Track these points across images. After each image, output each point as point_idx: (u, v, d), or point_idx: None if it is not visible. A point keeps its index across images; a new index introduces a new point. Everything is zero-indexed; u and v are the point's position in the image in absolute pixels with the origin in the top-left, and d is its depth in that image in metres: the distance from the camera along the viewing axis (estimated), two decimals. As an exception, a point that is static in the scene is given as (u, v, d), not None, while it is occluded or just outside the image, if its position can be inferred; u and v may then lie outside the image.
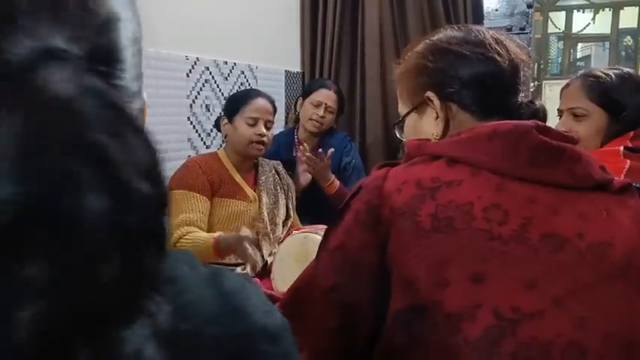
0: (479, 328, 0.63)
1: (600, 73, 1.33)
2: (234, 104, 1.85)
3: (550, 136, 0.71)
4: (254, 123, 1.80)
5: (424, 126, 0.85)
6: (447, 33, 0.85)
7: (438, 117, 0.82)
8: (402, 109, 0.89)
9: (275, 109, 1.91)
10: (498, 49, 0.81)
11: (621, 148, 1.24)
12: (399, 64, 0.90)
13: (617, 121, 1.30)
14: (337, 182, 2.15)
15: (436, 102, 0.82)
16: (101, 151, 0.28)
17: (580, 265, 0.65)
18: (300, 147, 2.16)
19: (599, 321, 0.64)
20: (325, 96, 2.27)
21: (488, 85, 0.81)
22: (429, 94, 0.82)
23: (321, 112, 2.25)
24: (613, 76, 1.32)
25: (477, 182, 0.69)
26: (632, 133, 1.27)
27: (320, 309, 0.73)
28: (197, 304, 0.37)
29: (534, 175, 0.69)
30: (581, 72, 1.44)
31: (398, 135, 0.93)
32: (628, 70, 1.38)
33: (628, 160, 1.19)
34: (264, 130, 1.81)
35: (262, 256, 1.76)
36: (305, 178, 2.15)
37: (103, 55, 0.35)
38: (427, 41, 0.86)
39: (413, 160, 0.75)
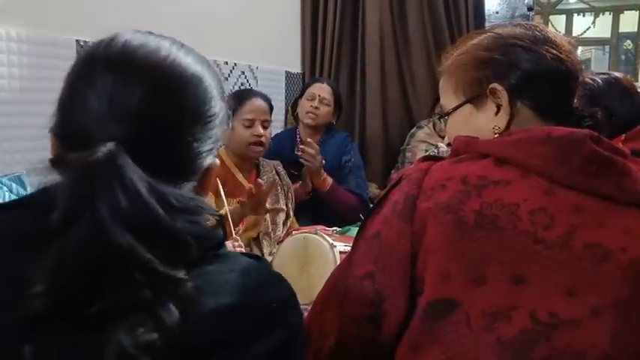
0: (514, 329, 0.63)
1: (587, 80, 1.33)
2: (229, 106, 1.85)
3: (602, 147, 0.71)
4: (250, 124, 1.80)
5: (480, 119, 0.82)
6: (513, 29, 0.83)
7: (498, 111, 0.80)
8: (452, 101, 0.86)
9: (271, 108, 1.90)
10: (566, 51, 0.81)
11: None
12: (449, 57, 0.88)
13: (607, 126, 1.30)
14: (330, 180, 2.16)
15: (504, 95, 0.80)
16: (96, 207, 0.49)
17: (620, 278, 0.65)
18: (301, 147, 2.16)
19: (634, 336, 0.64)
20: (318, 88, 2.31)
21: (555, 85, 0.80)
22: (496, 86, 0.80)
23: (315, 103, 2.28)
24: (600, 81, 1.32)
25: (525, 184, 0.69)
26: (623, 136, 1.28)
27: (352, 296, 0.74)
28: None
29: (583, 184, 0.69)
30: None
31: (443, 127, 0.91)
32: (615, 74, 1.38)
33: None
34: (262, 131, 1.81)
35: (263, 256, 1.76)
36: (307, 183, 2.17)
37: (153, 140, 0.54)
38: (491, 34, 0.84)
39: (460, 157, 0.75)
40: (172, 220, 0.50)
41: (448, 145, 0.87)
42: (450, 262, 0.67)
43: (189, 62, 0.58)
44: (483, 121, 0.82)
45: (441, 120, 0.90)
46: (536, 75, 0.79)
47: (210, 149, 0.59)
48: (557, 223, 0.67)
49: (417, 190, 0.72)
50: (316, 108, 2.27)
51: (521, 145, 0.72)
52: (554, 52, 0.80)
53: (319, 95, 2.29)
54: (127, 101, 0.53)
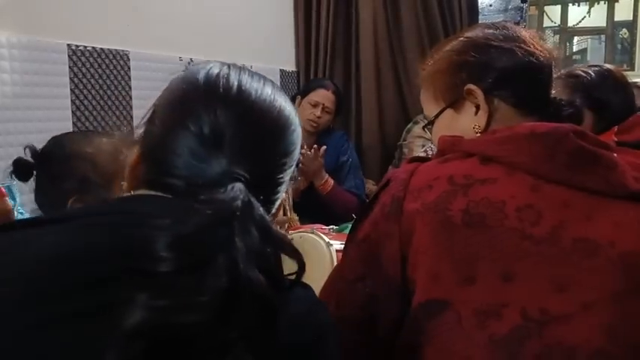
0: (506, 327, 0.63)
1: (580, 72, 1.34)
2: None
3: (587, 141, 0.71)
4: None
5: (462, 121, 0.84)
6: (483, 30, 0.85)
7: (478, 111, 0.82)
8: (433, 109, 0.88)
9: None
10: (536, 44, 0.82)
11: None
12: (425, 68, 0.89)
13: (600, 119, 1.31)
14: (331, 181, 2.15)
15: (479, 94, 0.81)
16: (236, 249, 0.49)
17: (611, 272, 0.65)
18: (302, 151, 2.16)
19: (628, 330, 0.64)
20: (323, 96, 2.27)
21: (530, 79, 0.82)
22: (471, 87, 0.81)
23: (318, 112, 2.25)
24: (593, 74, 1.33)
25: (511, 182, 0.69)
26: (616, 128, 1.28)
27: (346, 300, 0.75)
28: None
29: (570, 180, 0.69)
30: (560, 72, 1.44)
31: (430, 135, 0.92)
32: (608, 66, 1.38)
33: (615, 154, 1.19)
34: None
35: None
36: (304, 181, 2.16)
37: (265, 178, 0.60)
38: (462, 39, 0.85)
39: (446, 157, 0.76)
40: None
41: None
42: (440, 262, 0.67)
43: (289, 109, 0.64)
44: (465, 123, 0.83)
45: (426, 129, 0.91)
46: (510, 72, 0.81)
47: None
48: (544, 219, 0.67)
49: (403, 191, 0.72)
50: (319, 117, 2.25)
51: (506, 143, 0.72)
52: (525, 47, 0.81)
53: (323, 104, 2.26)
54: (247, 143, 0.58)
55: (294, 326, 0.54)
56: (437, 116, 0.86)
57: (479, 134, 0.80)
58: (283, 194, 0.65)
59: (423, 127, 0.92)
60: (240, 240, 0.50)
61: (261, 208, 0.54)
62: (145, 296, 0.45)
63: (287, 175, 0.63)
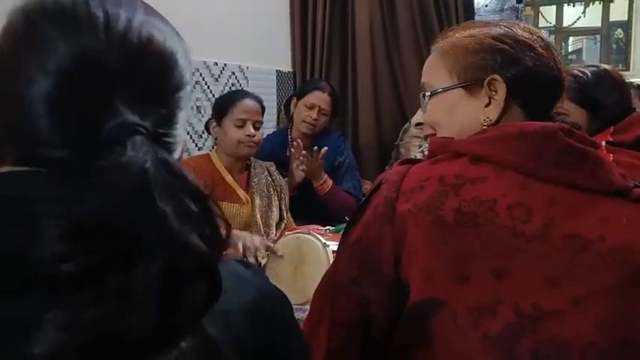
0: (500, 324, 0.64)
1: (577, 72, 1.34)
2: (222, 107, 1.85)
3: (575, 140, 0.72)
4: (242, 124, 1.80)
5: (469, 108, 0.81)
6: (522, 29, 0.83)
7: (490, 103, 0.80)
8: (443, 81, 0.83)
9: (263, 109, 1.90)
10: (563, 63, 0.84)
11: (603, 142, 1.24)
12: (448, 36, 0.85)
13: (596, 119, 1.32)
14: (330, 182, 2.15)
15: (502, 87, 0.79)
16: (166, 219, 0.39)
17: (601, 267, 0.66)
18: (294, 143, 2.16)
19: (620, 324, 0.64)
20: (319, 98, 2.27)
21: (549, 90, 0.82)
22: (497, 77, 0.79)
23: (314, 114, 2.25)
24: (589, 74, 1.33)
25: (501, 180, 0.70)
26: (612, 129, 1.28)
27: (340, 302, 0.75)
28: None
29: (558, 177, 0.70)
30: None
31: (422, 105, 0.88)
32: (605, 66, 1.39)
33: (611, 155, 1.19)
34: (253, 131, 1.81)
35: (256, 258, 1.76)
36: (299, 174, 2.15)
37: (163, 123, 0.49)
38: (501, 27, 0.83)
39: (436, 158, 0.76)
40: None
41: (417, 125, 0.87)
42: (433, 262, 0.68)
43: (170, 33, 0.54)
44: (471, 110, 0.81)
45: (424, 97, 0.87)
46: (536, 75, 0.80)
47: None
48: (535, 217, 0.67)
49: (395, 192, 0.73)
50: (315, 119, 2.25)
51: (495, 142, 0.72)
52: (555, 59, 0.82)
53: (319, 106, 2.26)
54: (136, 82, 0.46)
55: (251, 317, 0.48)
56: (445, 90, 0.83)
57: (485, 126, 0.79)
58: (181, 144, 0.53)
59: (423, 95, 0.87)
60: (164, 205, 0.39)
61: (177, 163, 0.43)
62: (57, 312, 0.36)
63: (182, 119, 0.51)
